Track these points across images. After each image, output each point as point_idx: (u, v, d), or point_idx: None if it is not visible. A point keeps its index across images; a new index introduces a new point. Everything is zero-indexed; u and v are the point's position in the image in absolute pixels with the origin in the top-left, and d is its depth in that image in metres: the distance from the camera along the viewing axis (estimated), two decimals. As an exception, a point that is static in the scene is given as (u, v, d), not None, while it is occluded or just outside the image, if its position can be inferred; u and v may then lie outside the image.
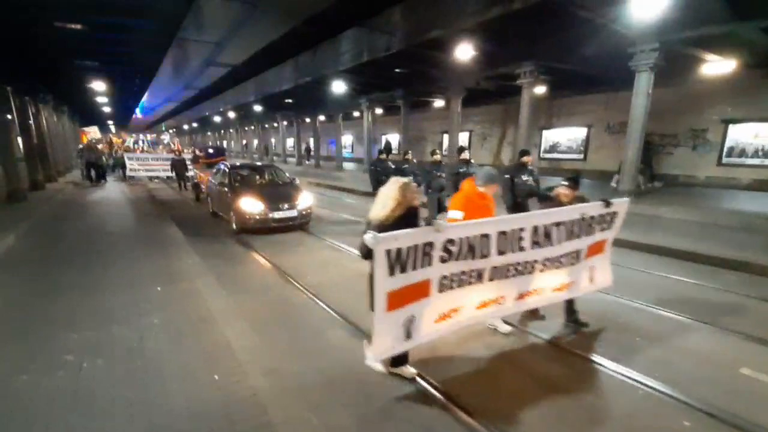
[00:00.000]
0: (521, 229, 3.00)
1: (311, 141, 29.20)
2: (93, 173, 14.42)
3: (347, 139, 29.53)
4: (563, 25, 9.30)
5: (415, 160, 9.17)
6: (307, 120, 27.98)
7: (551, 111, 16.00)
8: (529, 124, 11.84)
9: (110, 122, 37.24)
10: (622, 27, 8.54)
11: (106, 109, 24.34)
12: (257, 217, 7.41)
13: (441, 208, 7.12)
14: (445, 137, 22.04)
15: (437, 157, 7.49)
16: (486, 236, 2.83)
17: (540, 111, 15.25)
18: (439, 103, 20.17)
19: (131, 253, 6.00)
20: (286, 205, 7.69)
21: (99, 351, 3.24)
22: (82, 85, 15.61)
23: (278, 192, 8.14)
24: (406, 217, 2.66)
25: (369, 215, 2.73)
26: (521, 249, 3.04)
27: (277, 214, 7.52)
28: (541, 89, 12.78)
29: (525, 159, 6.06)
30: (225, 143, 45.84)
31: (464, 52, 9.90)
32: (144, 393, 2.73)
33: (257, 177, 9.17)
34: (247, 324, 3.79)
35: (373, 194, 8.79)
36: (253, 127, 36.25)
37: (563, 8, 7.95)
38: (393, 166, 9.23)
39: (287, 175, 9.51)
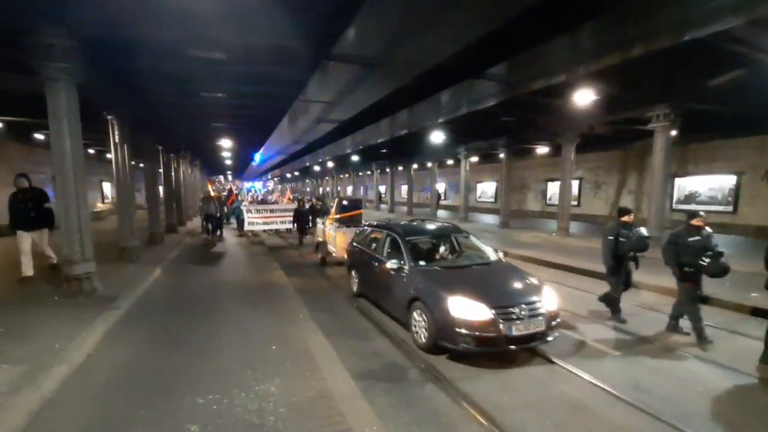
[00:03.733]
0: None
1: (405, 187, 29.51)
2: (210, 226, 13.65)
3: (440, 187, 29.43)
4: (710, 63, 8.07)
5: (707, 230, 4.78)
6: (400, 168, 28.70)
7: (686, 156, 13.84)
8: (664, 172, 10.27)
9: (229, 173, 42.90)
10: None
11: (228, 162, 28.01)
12: (482, 333, 4.09)
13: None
14: (550, 185, 20.61)
15: None
16: None
17: (671, 156, 13.35)
18: (542, 149, 19.10)
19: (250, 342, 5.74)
20: (525, 309, 4.25)
21: (221, 423, 3.05)
22: (212, 143, 18.06)
23: (502, 282, 4.83)
24: None
25: None
26: None
27: (516, 328, 4.13)
28: (672, 132, 11.22)
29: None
30: (321, 190, 49.16)
31: (583, 97, 9.16)
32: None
33: (444, 249, 5.86)
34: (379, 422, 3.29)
35: (603, 277, 5.59)
36: (348, 175, 38.50)
37: (712, 46, 6.84)
38: (649, 237, 5.19)
39: (482, 243, 5.90)
